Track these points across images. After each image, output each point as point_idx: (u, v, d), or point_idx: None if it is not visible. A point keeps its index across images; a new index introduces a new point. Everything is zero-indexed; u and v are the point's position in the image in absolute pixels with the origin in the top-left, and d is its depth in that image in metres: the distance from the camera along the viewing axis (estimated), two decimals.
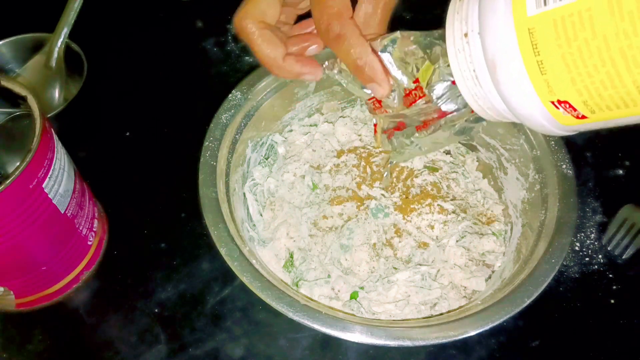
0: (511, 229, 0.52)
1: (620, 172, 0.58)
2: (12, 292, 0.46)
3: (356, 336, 0.40)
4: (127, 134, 0.60)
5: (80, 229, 0.47)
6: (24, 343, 0.48)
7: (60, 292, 0.49)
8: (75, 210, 0.46)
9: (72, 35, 0.61)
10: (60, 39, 0.61)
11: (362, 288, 0.49)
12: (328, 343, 0.48)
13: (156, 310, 0.49)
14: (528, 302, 0.41)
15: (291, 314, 0.41)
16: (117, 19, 0.70)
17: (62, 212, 0.44)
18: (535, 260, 0.44)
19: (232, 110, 0.51)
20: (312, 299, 0.47)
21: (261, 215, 0.53)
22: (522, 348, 0.48)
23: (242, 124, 0.52)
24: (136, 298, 0.50)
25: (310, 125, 0.59)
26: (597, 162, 0.59)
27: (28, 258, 0.44)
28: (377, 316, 0.47)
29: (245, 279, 0.42)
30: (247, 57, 0.67)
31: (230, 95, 0.51)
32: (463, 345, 0.48)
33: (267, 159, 0.57)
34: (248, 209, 0.53)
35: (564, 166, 0.48)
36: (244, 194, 0.53)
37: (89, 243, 0.49)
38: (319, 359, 0.47)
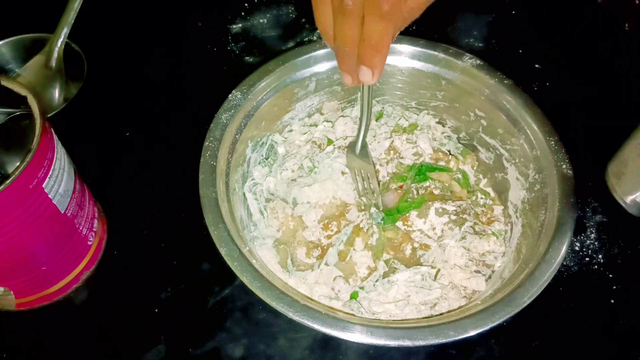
0: (511, 229, 0.52)
1: None
2: (12, 292, 0.46)
3: (356, 336, 0.40)
4: (127, 134, 0.60)
5: (80, 229, 0.47)
6: (24, 343, 0.48)
7: (60, 292, 0.49)
8: (75, 210, 0.46)
9: (72, 35, 0.61)
10: (60, 39, 0.61)
11: (362, 288, 0.49)
12: (328, 343, 0.48)
13: (156, 310, 0.49)
14: (528, 302, 0.41)
15: (291, 314, 0.41)
16: (117, 19, 0.70)
17: (62, 212, 0.44)
18: (536, 260, 0.44)
19: (232, 110, 0.51)
20: (312, 299, 0.47)
21: (261, 214, 0.53)
22: (522, 348, 0.48)
23: (242, 124, 0.52)
24: (136, 298, 0.50)
25: (310, 125, 0.59)
26: (597, 162, 0.59)
27: (28, 258, 0.44)
28: (377, 316, 0.47)
29: (245, 279, 0.42)
30: (247, 57, 0.67)
31: (230, 95, 0.51)
32: (463, 345, 0.48)
33: (267, 158, 0.57)
34: (248, 209, 0.53)
35: (564, 166, 0.48)
36: (244, 193, 0.53)
37: (89, 243, 0.49)
38: (319, 359, 0.47)
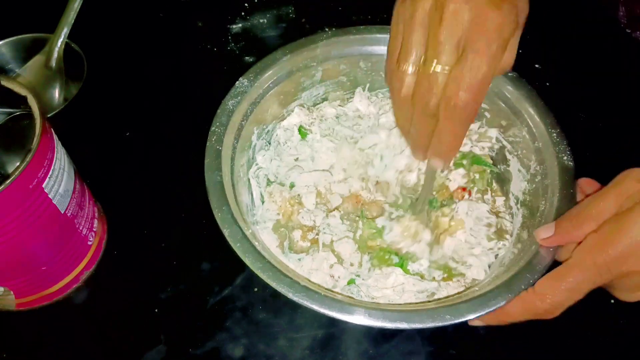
0: (512, 220, 0.52)
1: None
2: (12, 292, 0.46)
3: (354, 317, 0.40)
4: (127, 134, 0.60)
5: (80, 229, 0.47)
6: (24, 343, 0.48)
7: (60, 292, 0.49)
8: (75, 210, 0.46)
9: (72, 35, 0.61)
10: (60, 39, 0.61)
11: (358, 275, 0.49)
12: (328, 343, 0.48)
13: (156, 310, 0.49)
14: (525, 288, 0.42)
15: (291, 295, 0.41)
16: (117, 19, 0.70)
17: (62, 212, 0.44)
18: (535, 249, 0.44)
19: (239, 97, 0.51)
20: (312, 282, 0.47)
21: (262, 199, 0.53)
22: (522, 348, 0.48)
23: (249, 111, 0.52)
24: (136, 298, 0.50)
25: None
26: (597, 162, 0.59)
27: (28, 258, 0.44)
28: (376, 300, 0.47)
29: (247, 259, 0.42)
30: (247, 57, 0.67)
31: (237, 82, 0.52)
32: (463, 345, 0.48)
33: (269, 143, 0.56)
34: (252, 194, 0.53)
35: (565, 158, 0.48)
36: (249, 179, 0.53)
37: (89, 243, 0.49)
38: (319, 359, 0.47)
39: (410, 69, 0.38)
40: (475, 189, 0.53)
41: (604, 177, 0.58)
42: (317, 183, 0.53)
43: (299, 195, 0.53)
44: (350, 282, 0.48)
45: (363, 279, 0.48)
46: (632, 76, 0.66)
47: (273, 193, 0.53)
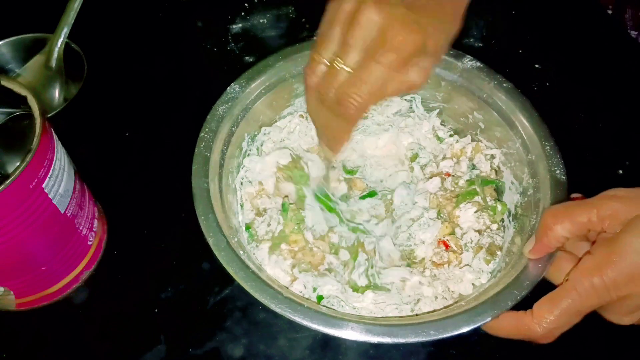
0: (503, 232, 0.52)
1: (620, 172, 0.59)
2: (12, 292, 0.46)
3: (336, 331, 0.40)
4: (127, 134, 0.60)
5: (80, 229, 0.47)
6: (24, 343, 0.48)
7: (60, 292, 0.49)
8: (75, 210, 0.46)
9: (72, 35, 0.61)
10: (60, 39, 0.61)
11: (315, 289, 0.48)
12: (328, 343, 0.48)
13: (156, 310, 0.49)
14: (511, 305, 0.41)
15: (273, 306, 0.41)
16: (117, 19, 0.70)
17: (62, 212, 0.44)
18: (522, 264, 0.44)
19: (230, 103, 0.50)
20: (294, 293, 0.47)
21: (242, 204, 0.53)
22: (522, 348, 0.48)
23: (239, 117, 0.51)
24: (136, 298, 0.50)
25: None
26: (597, 162, 0.59)
27: (28, 258, 0.44)
28: (358, 311, 0.47)
29: (230, 269, 0.42)
30: (247, 57, 0.67)
31: (228, 88, 0.51)
32: (463, 345, 0.48)
33: (262, 148, 0.56)
34: (239, 199, 0.53)
35: (558, 171, 0.47)
36: (236, 185, 0.53)
37: (89, 243, 0.50)
38: (319, 359, 0.47)
39: (322, 60, 0.41)
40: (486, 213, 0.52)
41: (603, 177, 0.58)
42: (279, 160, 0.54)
43: (261, 182, 0.52)
44: (319, 298, 0.47)
45: (340, 292, 0.48)
46: (632, 76, 0.66)
47: (246, 192, 0.53)
